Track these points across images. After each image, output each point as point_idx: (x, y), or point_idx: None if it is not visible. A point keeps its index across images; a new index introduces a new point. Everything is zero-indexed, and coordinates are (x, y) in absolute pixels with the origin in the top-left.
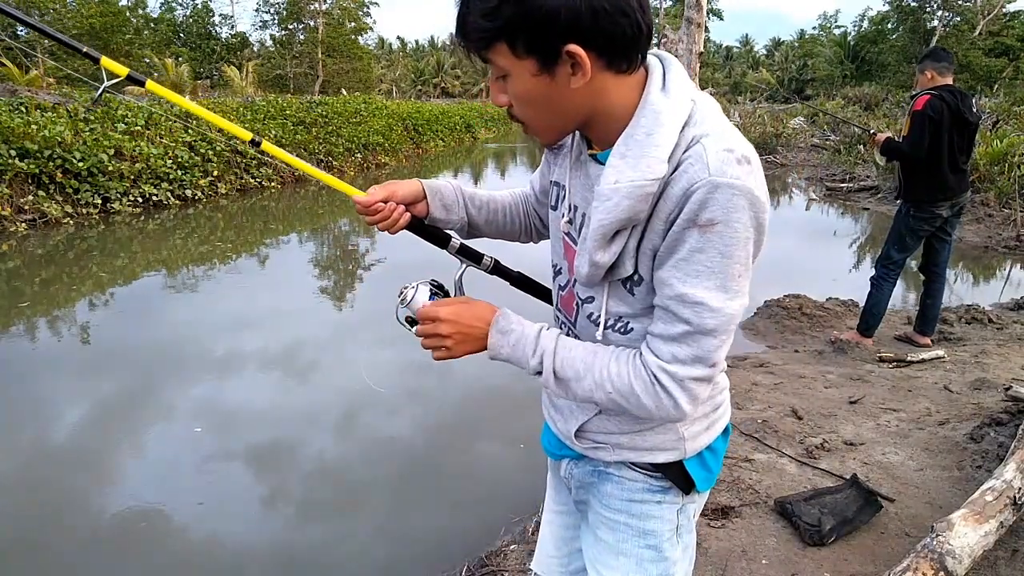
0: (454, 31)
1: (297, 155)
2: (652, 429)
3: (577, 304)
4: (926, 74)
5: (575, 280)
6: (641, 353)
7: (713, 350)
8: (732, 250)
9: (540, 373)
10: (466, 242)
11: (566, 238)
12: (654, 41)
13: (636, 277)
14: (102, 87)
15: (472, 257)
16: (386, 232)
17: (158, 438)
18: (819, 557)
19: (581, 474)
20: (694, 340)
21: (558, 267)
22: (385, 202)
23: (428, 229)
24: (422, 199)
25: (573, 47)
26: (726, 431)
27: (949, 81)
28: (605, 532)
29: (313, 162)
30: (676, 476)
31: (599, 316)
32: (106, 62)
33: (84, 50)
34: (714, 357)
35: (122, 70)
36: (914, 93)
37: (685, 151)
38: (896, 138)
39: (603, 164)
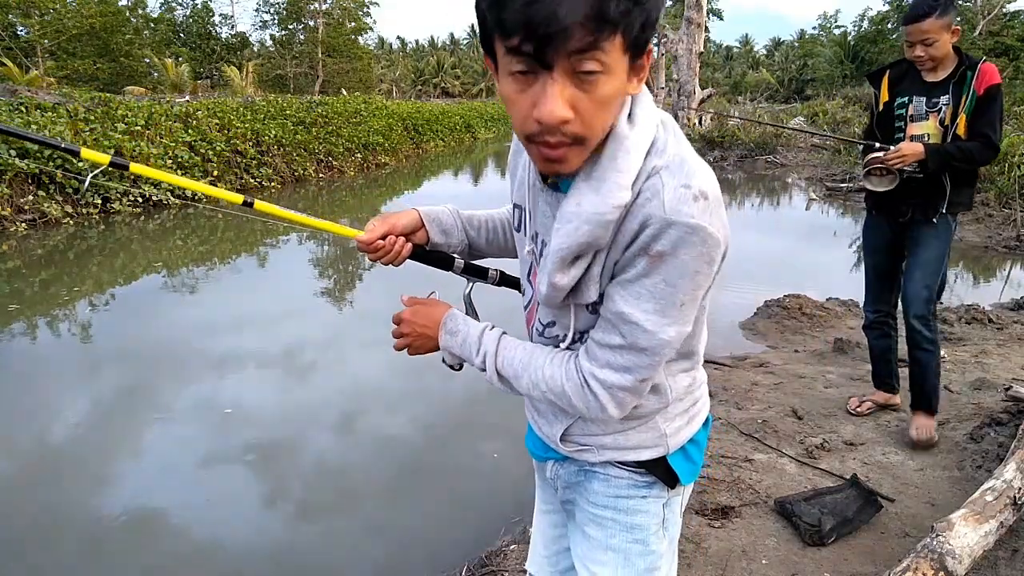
0: (595, 13)
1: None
2: (635, 428)
3: (537, 326)
4: (956, 31)
5: (537, 301)
6: (577, 356)
7: (643, 367)
8: (677, 280)
9: (485, 371)
10: (471, 261)
11: (532, 258)
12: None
13: (600, 300)
14: (87, 179)
15: (478, 274)
16: (390, 265)
17: (158, 437)
18: (819, 557)
19: (567, 475)
20: (628, 353)
21: (523, 286)
22: (384, 237)
23: (431, 255)
24: (420, 227)
25: (651, 47)
26: (707, 423)
27: None
28: (593, 529)
29: (313, 162)
30: (661, 472)
31: (562, 337)
32: (86, 153)
33: (63, 146)
34: (644, 374)
35: (103, 159)
36: (968, 58)
37: (645, 180)
38: (938, 137)
39: (563, 193)
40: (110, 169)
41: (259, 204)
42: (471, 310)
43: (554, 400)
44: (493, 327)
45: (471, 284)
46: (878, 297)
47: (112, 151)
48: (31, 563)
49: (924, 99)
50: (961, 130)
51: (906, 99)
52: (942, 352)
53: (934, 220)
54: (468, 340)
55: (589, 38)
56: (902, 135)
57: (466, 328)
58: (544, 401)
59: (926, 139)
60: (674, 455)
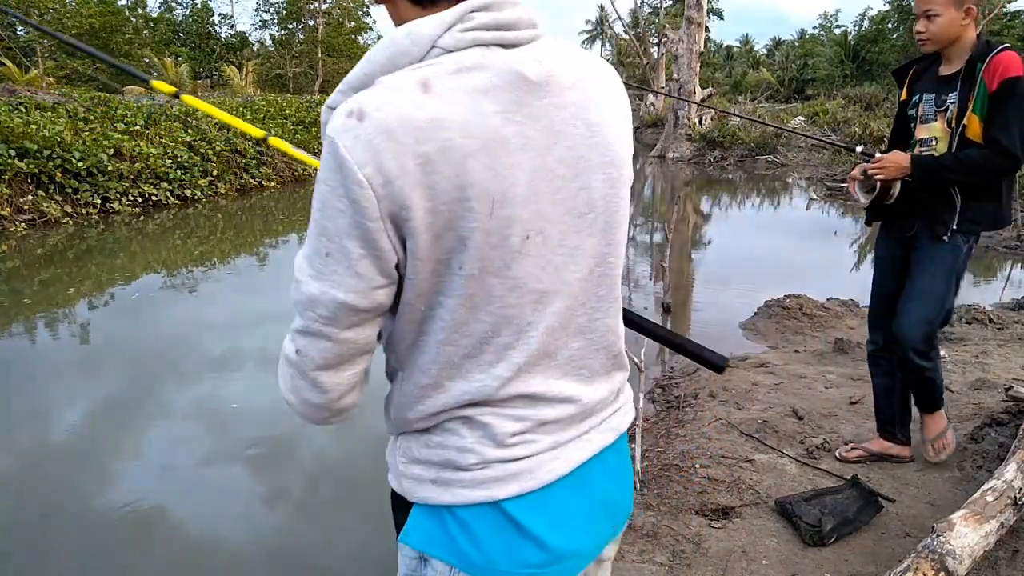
0: None
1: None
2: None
3: None
4: (972, 9)
5: None
6: None
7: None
8: (314, 206)
9: None
10: None
11: None
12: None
13: None
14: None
15: None
16: None
17: (157, 436)
18: (819, 557)
19: None
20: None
21: None
22: None
23: None
24: None
25: None
26: (498, 508)
27: None
28: None
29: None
30: (399, 509)
31: None
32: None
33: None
34: (297, 342)
35: (170, 89)
36: (984, 47)
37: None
38: (940, 145)
39: None
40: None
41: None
42: None
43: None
44: None
45: None
46: (876, 322)
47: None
48: (31, 563)
49: (933, 96)
50: (973, 133)
51: (918, 97)
52: (943, 352)
53: (944, 238)
54: None
55: None
56: (913, 139)
57: None
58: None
59: (933, 144)
60: (418, 510)
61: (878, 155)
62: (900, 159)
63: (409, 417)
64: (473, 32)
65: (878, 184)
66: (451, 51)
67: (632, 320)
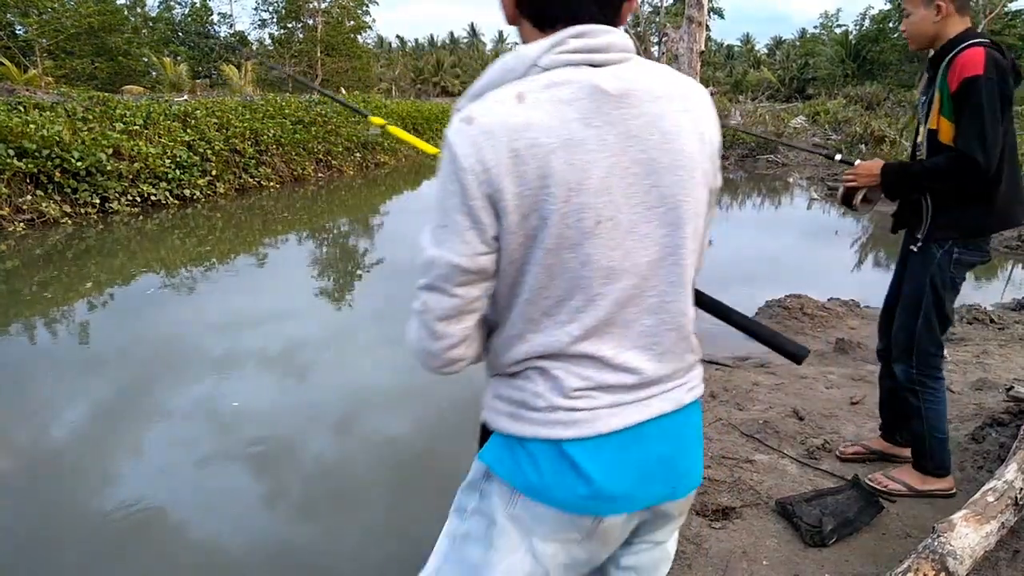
0: None
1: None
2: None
3: None
4: (942, 6)
5: None
6: None
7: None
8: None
9: None
10: None
11: None
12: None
13: None
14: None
15: None
16: None
17: (158, 436)
18: (820, 558)
19: None
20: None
21: None
22: None
23: None
24: None
25: None
26: (559, 446)
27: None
28: None
29: (312, 161)
30: (484, 436)
31: None
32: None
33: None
34: (422, 298)
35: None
36: (954, 44)
37: None
38: (906, 149)
39: None
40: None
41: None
42: None
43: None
44: None
45: None
46: (881, 325)
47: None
48: (32, 562)
49: (923, 97)
50: (945, 137)
51: (919, 98)
52: (944, 352)
53: (912, 248)
54: None
55: None
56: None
57: None
58: None
59: (922, 147)
60: (496, 435)
61: (857, 162)
62: (873, 166)
63: (501, 361)
64: (565, 55)
65: (856, 192)
66: (547, 69)
67: (708, 303)
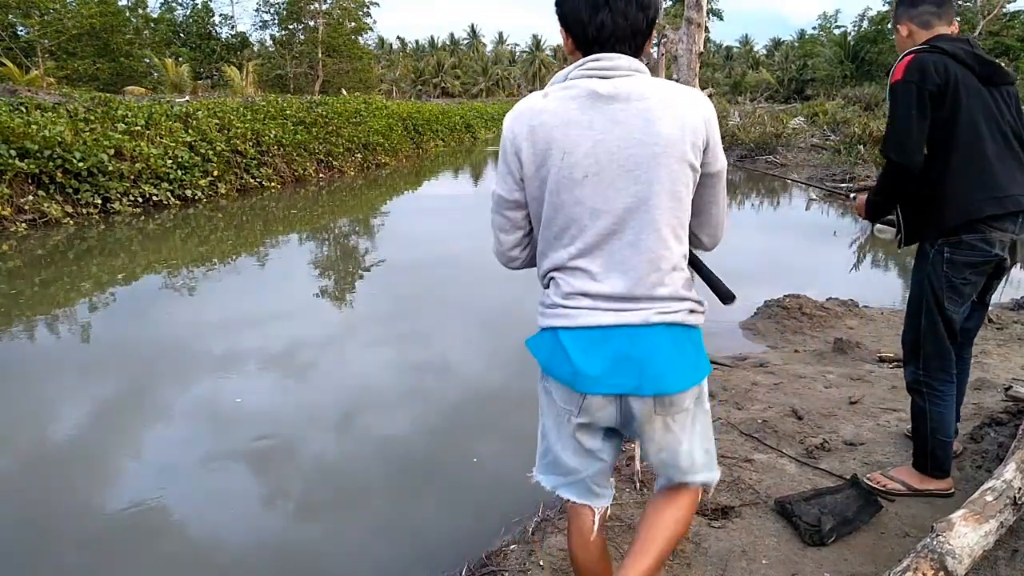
0: None
1: (297, 155)
2: None
3: None
4: (901, 29)
5: None
6: None
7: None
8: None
9: None
10: None
11: None
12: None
13: None
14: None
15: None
16: None
17: (158, 435)
18: (819, 557)
19: None
20: None
21: None
22: None
23: None
24: None
25: None
26: (556, 335)
27: (946, 31)
28: None
29: (313, 162)
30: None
31: None
32: None
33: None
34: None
35: None
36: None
37: None
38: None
39: None
40: None
41: None
42: None
43: None
44: None
45: None
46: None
47: None
48: (32, 563)
49: None
50: None
51: None
52: None
53: (899, 250)
54: None
55: None
56: None
57: None
58: None
59: None
60: (540, 330)
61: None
62: (860, 201)
63: (539, 274)
64: (582, 71)
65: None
66: (570, 79)
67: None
